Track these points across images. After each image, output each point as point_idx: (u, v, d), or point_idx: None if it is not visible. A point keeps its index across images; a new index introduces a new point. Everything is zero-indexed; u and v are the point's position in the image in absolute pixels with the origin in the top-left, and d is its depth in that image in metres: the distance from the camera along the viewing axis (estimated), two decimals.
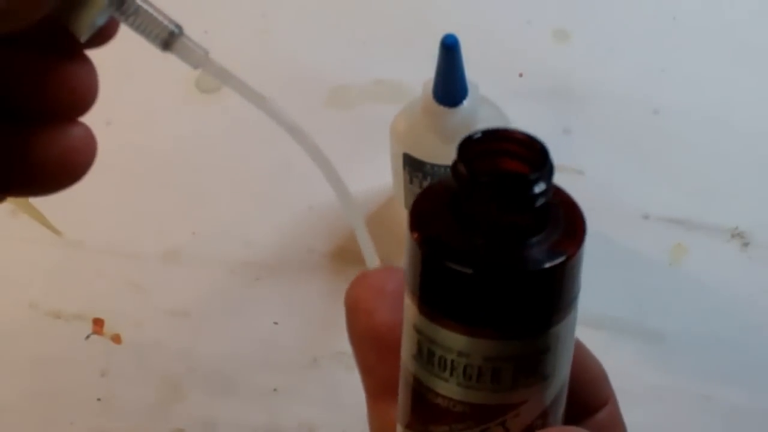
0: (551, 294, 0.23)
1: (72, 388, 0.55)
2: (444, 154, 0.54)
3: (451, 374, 0.24)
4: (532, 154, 0.23)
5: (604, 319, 0.56)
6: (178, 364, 0.55)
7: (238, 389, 0.54)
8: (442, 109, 0.52)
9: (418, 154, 0.54)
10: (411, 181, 0.56)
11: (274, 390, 0.54)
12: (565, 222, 0.23)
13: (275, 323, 0.57)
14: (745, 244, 0.59)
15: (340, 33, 0.68)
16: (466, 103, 0.52)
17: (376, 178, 0.60)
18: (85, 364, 0.56)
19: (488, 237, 0.22)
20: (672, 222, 0.60)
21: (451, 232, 0.23)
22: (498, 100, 0.56)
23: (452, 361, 0.23)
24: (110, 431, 0.54)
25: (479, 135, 0.24)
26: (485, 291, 0.22)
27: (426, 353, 0.24)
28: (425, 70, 0.52)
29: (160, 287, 0.58)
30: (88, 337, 0.56)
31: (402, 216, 0.58)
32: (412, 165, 0.55)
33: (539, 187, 0.22)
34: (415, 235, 0.23)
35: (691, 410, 0.53)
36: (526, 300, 0.23)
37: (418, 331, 0.24)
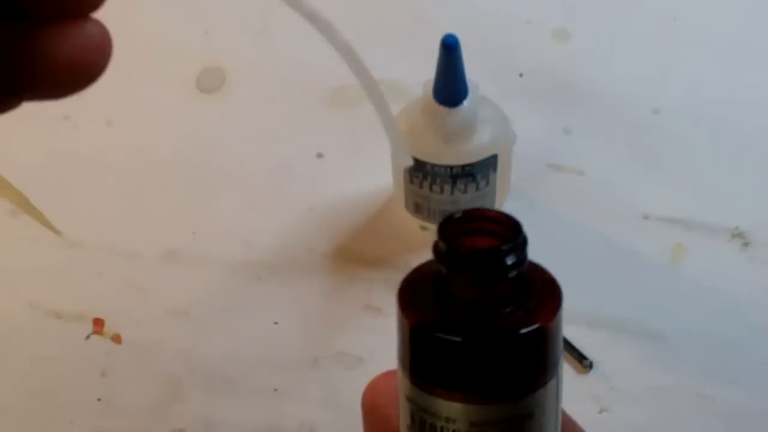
0: (529, 359, 0.25)
1: (72, 388, 0.55)
2: (444, 154, 0.54)
3: None
4: (505, 230, 0.25)
5: (604, 319, 0.56)
6: (178, 364, 0.55)
7: (238, 389, 0.54)
8: (442, 109, 0.52)
9: (419, 154, 0.54)
10: (411, 181, 0.56)
11: (274, 390, 0.54)
12: (543, 292, 0.25)
13: (275, 323, 0.57)
14: (745, 244, 0.59)
15: None
16: (466, 103, 0.52)
17: (376, 178, 0.60)
18: (85, 364, 0.56)
19: (469, 308, 0.24)
20: (672, 222, 0.60)
21: (436, 306, 0.25)
22: (498, 100, 0.56)
23: (441, 428, 0.25)
24: (110, 431, 0.54)
25: (458, 215, 0.26)
26: (466, 358, 0.24)
27: (419, 422, 0.26)
28: (425, 70, 0.52)
29: (160, 287, 0.58)
30: (88, 337, 0.56)
31: (402, 216, 0.58)
32: (413, 165, 0.55)
33: (511, 259, 0.24)
34: (403, 310, 0.25)
35: (692, 410, 0.53)
36: (505, 365, 0.24)
37: (410, 401, 0.26)
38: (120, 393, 0.55)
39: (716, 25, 0.68)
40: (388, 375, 0.30)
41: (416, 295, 0.26)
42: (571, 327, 0.55)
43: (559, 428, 0.26)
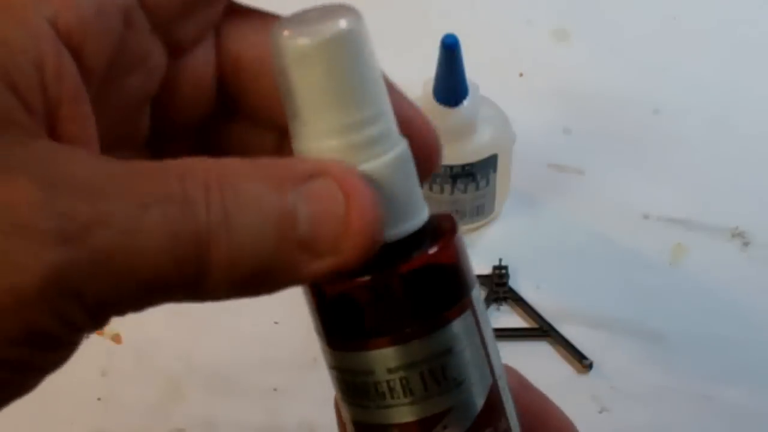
0: (427, 294, 0.24)
1: (72, 387, 0.55)
2: (444, 154, 0.54)
3: (369, 398, 0.25)
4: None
5: (604, 319, 0.56)
6: (178, 364, 0.55)
7: (238, 389, 0.54)
8: (442, 109, 0.52)
9: None
10: None
11: (274, 390, 0.54)
12: (438, 231, 0.25)
13: (275, 323, 0.57)
14: (745, 244, 0.59)
15: None
16: (466, 103, 0.52)
17: None
18: (85, 364, 0.55)
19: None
20: (672, 222, 0.60)
21: None
22: (498, 100, 0.56)
23: (363, 384, 0.24)
24: (110, 431, 0.54)
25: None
26: (364, 304, 0.24)
27: (345, 387, 0.25)
28: (425, 70, 0.52)
29: None
30: (87, 336, 0.56)
31: None
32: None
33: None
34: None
35: (692, 410, 0.53)
36: (404, 303, 0.24)
37: (335, 368, 0.26)
38: (120, 393, 0.55)
39: (716, 25, 0.68)
40: None
41: None
42: (571, 327, 0.55)
43: (489, 367, 0.25)
